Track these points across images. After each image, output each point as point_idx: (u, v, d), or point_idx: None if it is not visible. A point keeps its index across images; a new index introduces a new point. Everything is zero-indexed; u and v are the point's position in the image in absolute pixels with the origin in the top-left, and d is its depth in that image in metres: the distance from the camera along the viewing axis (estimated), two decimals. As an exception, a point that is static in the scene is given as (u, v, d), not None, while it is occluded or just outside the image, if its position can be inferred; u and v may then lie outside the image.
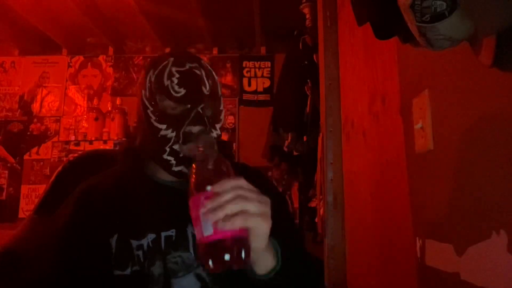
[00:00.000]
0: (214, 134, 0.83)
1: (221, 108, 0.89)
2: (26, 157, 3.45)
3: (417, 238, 0.89)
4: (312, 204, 2.13)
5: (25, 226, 1.21)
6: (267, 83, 3.57)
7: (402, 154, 0.99)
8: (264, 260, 0.65)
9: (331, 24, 1.82)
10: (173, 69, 0.83)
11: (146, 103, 0.84)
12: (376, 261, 1.25)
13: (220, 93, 0.89)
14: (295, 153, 2.35)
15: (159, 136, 0.81)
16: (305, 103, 2.22)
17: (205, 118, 0.81)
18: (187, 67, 0.83)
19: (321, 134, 1.85)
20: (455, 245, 0.73)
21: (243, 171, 0.86)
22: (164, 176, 0.85)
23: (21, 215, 3.32)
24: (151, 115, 0.83)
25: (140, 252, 0.77)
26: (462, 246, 0.70)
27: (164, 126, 0.81)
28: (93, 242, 0.78)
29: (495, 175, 0.62)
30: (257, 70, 3.60)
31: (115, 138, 3.21)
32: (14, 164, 3.44)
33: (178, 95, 0.81)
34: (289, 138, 2.30)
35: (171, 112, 0.81)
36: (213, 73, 0.88)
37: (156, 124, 0.82)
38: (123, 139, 3.16)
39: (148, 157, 0.87)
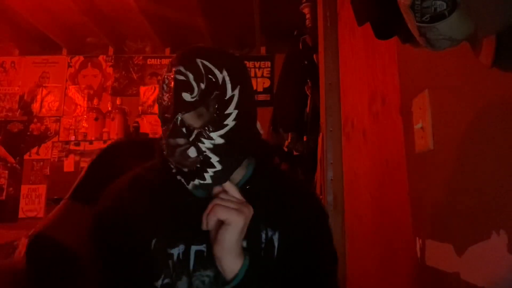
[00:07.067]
0: (206, 145, 0.71)
1: (228, 111, 0.73)
2: (26, 157, 3.45)
3: (417, 238, 0.89)
4: (312, 204, 2.13)
5: (59, 211, 1.22)
6: (267, 83, 3.57)
7: (402, 154, 0.99)
8: (231, 263, 0.67)
9: (331, 24, 1.82)
10: (166, 75, 0.74)
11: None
12: (376, 261, 1.25)
13: (229, 93, 0.73)
14: (295, 153, 2.34)
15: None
16: (305, 103, 2.22)
17: (184, 130, 0.70)
18: (171, 72, 0.73)
19: (321, 134, 1.85)
20: (455, 245, 0.73)
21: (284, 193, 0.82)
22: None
23: (21, 215, 3.32)
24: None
25: (170, 262, 0.71)
26: (462, 246, 0.70)
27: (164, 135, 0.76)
28: (135, 241, 0.72)
29: (495, 175, 0.62)
30: (257, 70, 3.60)
31: (115, 138, 3.21)
32: (14, 164, 3.44)
33: (164, 103, 0.73)
34: (289, 138, 2.30)
35: (163, 121, 0.75)
36: (215, 70, 0.72)
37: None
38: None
39: None
